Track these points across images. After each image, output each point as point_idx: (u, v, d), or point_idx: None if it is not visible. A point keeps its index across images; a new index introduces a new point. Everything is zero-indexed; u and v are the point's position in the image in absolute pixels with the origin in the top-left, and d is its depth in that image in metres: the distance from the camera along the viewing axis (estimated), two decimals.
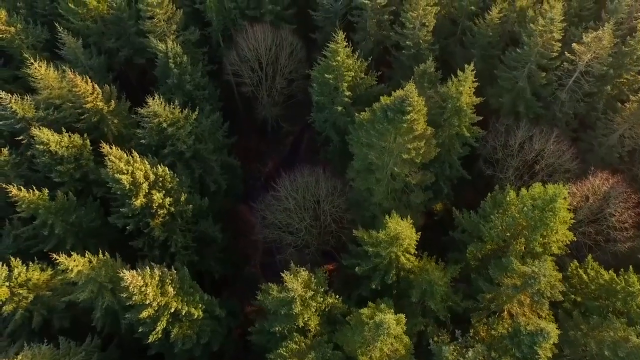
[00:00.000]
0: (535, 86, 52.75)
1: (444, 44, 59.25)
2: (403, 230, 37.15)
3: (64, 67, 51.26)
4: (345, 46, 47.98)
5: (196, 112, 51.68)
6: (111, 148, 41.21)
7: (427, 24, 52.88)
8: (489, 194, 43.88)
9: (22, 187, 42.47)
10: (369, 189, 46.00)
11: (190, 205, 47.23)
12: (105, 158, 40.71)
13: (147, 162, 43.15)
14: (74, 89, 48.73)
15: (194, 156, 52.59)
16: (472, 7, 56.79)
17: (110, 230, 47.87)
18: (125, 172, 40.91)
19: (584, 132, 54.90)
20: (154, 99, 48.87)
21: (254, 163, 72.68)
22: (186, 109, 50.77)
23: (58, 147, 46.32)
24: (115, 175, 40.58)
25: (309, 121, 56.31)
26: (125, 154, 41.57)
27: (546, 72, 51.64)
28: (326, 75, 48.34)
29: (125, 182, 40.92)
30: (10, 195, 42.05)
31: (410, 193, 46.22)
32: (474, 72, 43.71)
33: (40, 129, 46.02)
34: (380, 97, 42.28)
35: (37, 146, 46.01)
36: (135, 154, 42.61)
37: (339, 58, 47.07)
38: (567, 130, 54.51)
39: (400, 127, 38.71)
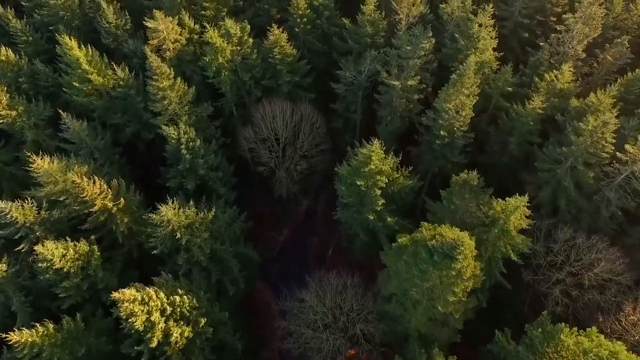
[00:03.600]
0: (579, 180, 48.66)
1: (475, 122, 54.98)
2: None
3: (70, 164, 46.72)
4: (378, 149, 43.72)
5: (213, 211, 47.57)
6: (122, 292, 36.81)
7: (464, 115, 48.45)
8: (539, 328, 39.95)
9: (23, 329, 38.06)
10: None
11: (211, 328, 43.28)
12: (117, 305, 36.52)
13: (162, 294, 39.01)
14: (80, 195, 44.66)
15: (211, 257, 48.55)
16: (509, 88, 52.59)
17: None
18: (140, 312, 36.84)
19: (631, 227, 50.88)
20: (166, 202, 45.05)
21: (268, 231, 68.46)
22: (202, 212, 46.69)
23: (63, 262, 42.34)
24: (129, 319, 36.54)
25: (334, 217, 51.93)
26: (139, 294, 37.27)
27: (592, 169, 47.50)
28: (357, 182, 44.05)
29: (139, 325, 36.87)
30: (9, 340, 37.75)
31: (449, 316, 42.26)
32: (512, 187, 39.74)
33: (43, 243, 41.94)
34: (422, 224, 38.36)
35: (39, 264, 41.94)
36: (151, 291, 38.33)
37: (372, 166, 42.76)
38: (612, 224, 50.51)
39: (448, 273, 34.67)
